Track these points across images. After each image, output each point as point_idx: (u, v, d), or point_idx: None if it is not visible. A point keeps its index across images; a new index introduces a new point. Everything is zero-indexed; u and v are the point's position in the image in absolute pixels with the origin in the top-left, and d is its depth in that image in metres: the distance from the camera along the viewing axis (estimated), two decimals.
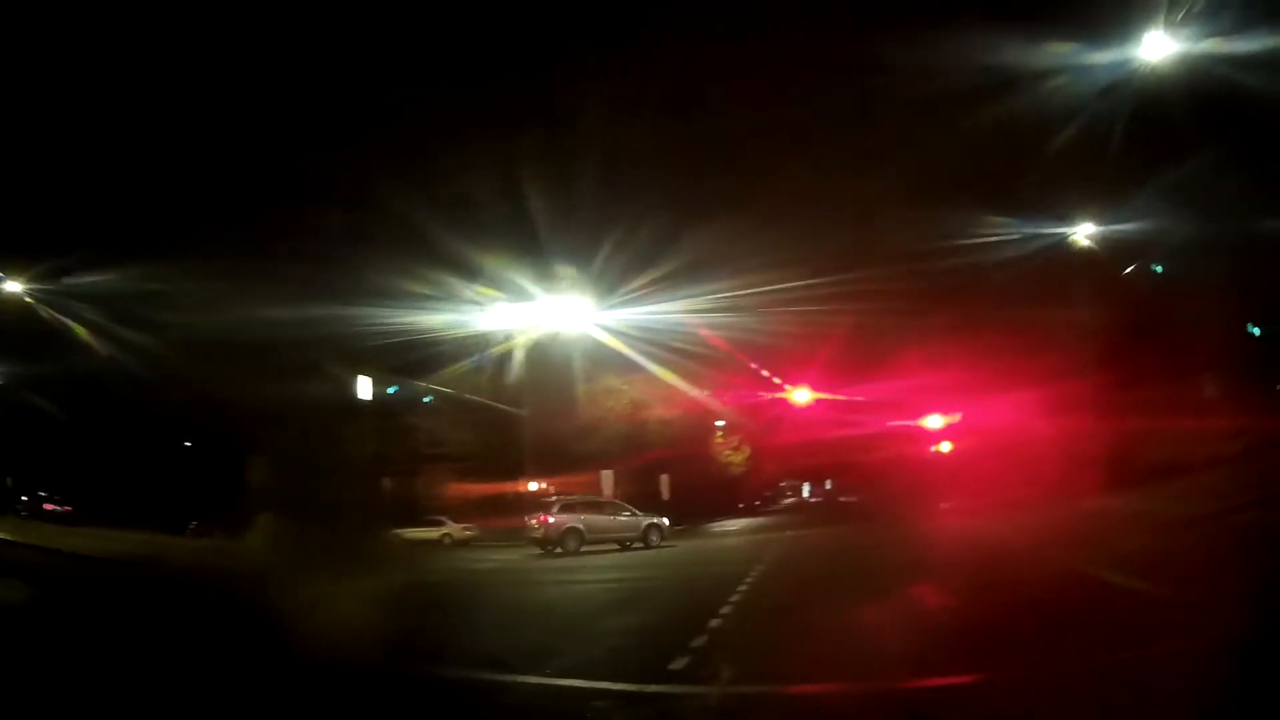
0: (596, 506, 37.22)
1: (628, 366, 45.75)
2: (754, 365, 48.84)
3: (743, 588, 17.64)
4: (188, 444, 48.97)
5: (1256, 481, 24.48)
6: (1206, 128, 26.45)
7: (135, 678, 9.86)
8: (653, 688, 9.56)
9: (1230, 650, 8.60)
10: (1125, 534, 21.48)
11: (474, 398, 42.75)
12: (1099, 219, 35.25)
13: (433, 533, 45.02)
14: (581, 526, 34.48)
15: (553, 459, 43.91)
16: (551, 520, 34.51)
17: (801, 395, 54.34)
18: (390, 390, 42.07)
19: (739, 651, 11.30)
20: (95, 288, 32.65)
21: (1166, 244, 34.80)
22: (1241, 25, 22.74)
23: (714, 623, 13.26)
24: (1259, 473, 25.80)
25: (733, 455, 63.41)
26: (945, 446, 54.40)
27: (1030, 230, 35.25)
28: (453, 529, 45.80)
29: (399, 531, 44.57)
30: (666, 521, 37.05)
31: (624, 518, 36.20)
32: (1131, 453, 35.00)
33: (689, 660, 10.63)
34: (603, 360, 44.43)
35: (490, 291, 36.37)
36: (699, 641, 11.74)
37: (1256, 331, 31.67)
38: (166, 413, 42.32)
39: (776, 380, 53.21)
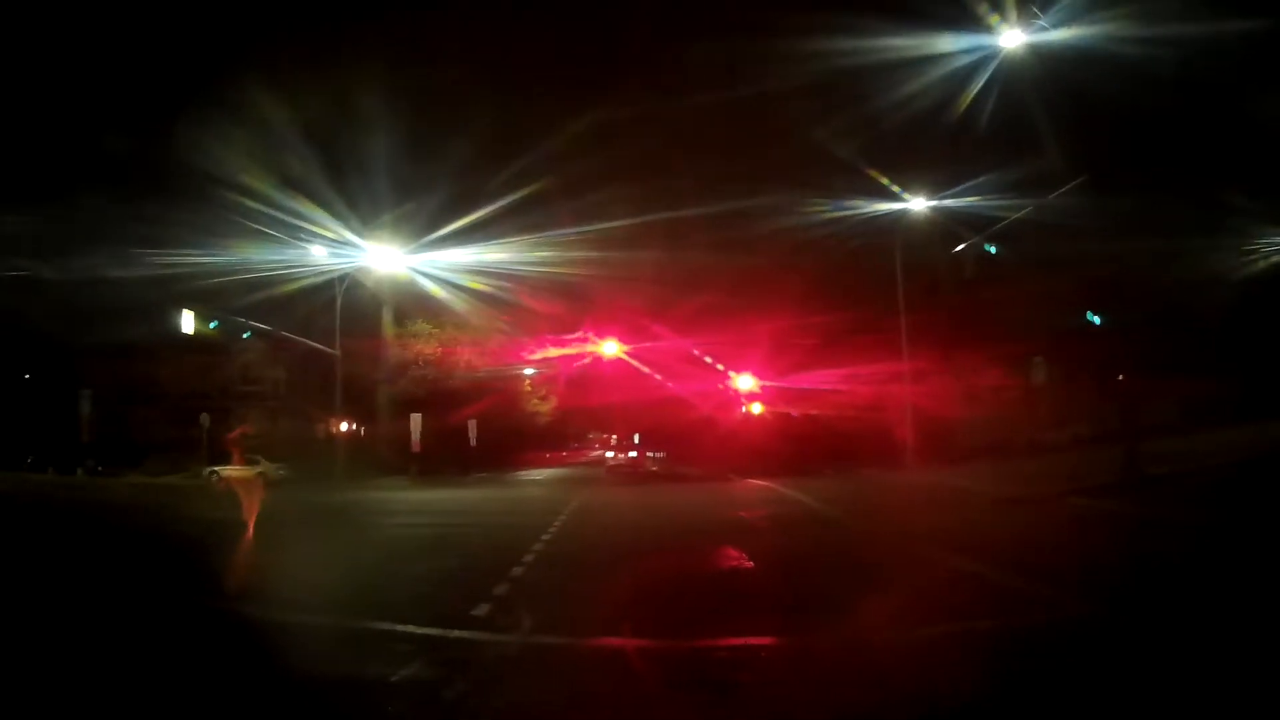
0: None
1: (441, 310, 45.28)
2: (560, 313, 48.55)
3: (546, 537, 17.75)
4: (27, 377, 46.80)
5: (1080, 470, 25.63)
6: (1055, 115, 27.19)
7: None
8: (455, 633, 9.55)
9: (1045, 630, 9.00)
10: (941, 510, 21.97)
11: (289, 335, 41.67)
12: (933, 197, 35.53)
13: (248, 471, 43.63)
14: None
15: (362, 400, 43.27)
16: None
17: (610, 348, 54.12)
18: (211, 325, 40.60)
19: (540, 601, 11.35)
20: None
21: (1004, 226, 35.07)
22: (1084, 18, 23.81)
23: (516, 571, 13.30)
24: (1084, 461, 27.07)
25: (540, 405, 63.17)
26: (756, 409, 54.74)
27: (866, 207, 35.40)
28: (267, 468, 44.66)
29: (217, 469, 43.68)
30: None
31: None
32: (951, 431, 35.78)
33: (490, 607, 10.68)
34: (417, 304, 43.86)
35: (314, 230, 35.50)
36: (501, 589, 11.78)
37: (1096, 320, 31.85)
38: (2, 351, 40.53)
39: (585, 333, 53.07)
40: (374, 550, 17.84)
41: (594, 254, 37.29)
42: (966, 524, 18.64)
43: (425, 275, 39.76)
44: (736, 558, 15.23)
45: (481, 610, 10.48)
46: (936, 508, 22.70)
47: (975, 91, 26.88)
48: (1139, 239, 29.12)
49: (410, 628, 9.67)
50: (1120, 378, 28.79)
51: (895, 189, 34.90)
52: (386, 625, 9.81)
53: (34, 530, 22.11)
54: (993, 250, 37.41)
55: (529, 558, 14.75)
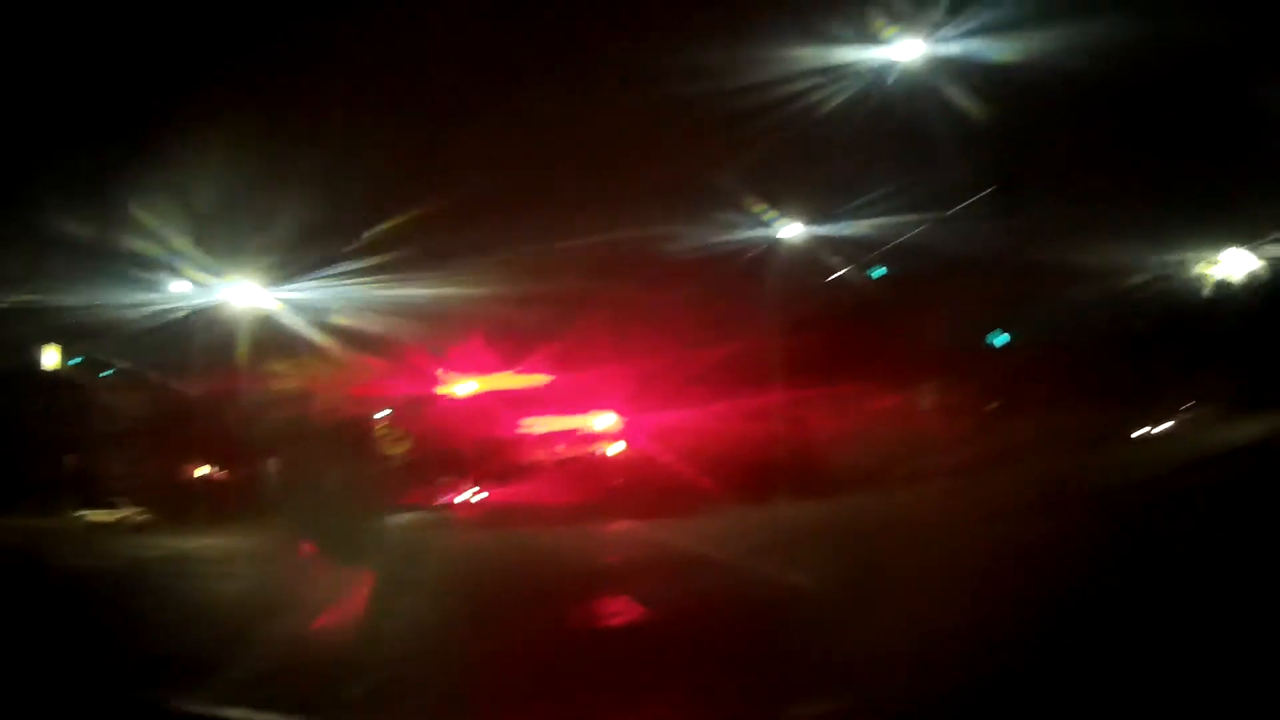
0: None
1: (303, 349, 43.56)
2: (419, 352, 46.90)
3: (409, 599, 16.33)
4: None
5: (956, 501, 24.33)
6: (956, 131, 26.06)
7: None
8: None
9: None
10: (830, 545, 19.61)
11: (150, 374, 39.58)
12: (817, 219, 33.67)
13: (109, 515, 42.08)
14: None
15: (220, 443, 41.26)
16: None
17: (468, 386, 52.37)
18: (72, 362, 38.36)
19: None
20: None
21: (895, 248, 33.46)
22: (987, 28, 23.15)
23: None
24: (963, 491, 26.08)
25: (395, 447, 61.00)
26: (620, 446, 53.13)
27: (744, 233, 33.31)
28: (128, 512, 42.81)
29: (79, 513, 41.86)
30: None
31: None
32: (830, 461, 34.44)
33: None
34: (278, 342, 41.99)
35: (178, 266, 33.66)
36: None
37: (998, 342, 31.58)
38: None
39: (440, 370, 51.31)
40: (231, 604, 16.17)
41: (455, 291, 35.97)
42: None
43: (287, 312, 38.03)
44: (627, 612, 14.03)
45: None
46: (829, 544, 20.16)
47: (871, 107, 25.70)
48: (1042, 256, 28.69)
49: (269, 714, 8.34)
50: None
51: (769, 215, 32.99)
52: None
53: None
54: (881, 272, 35.77)
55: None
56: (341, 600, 16.60)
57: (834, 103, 25.39)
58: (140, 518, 42.51)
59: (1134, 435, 31.34)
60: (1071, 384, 28.14)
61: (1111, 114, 26.57)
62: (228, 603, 16.49)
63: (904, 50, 24.58)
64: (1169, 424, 31.12)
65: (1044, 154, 27.60)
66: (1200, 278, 33.48)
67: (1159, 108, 26.19)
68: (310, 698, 8.85)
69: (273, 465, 40.65)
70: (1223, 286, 33.37)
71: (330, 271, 35.02)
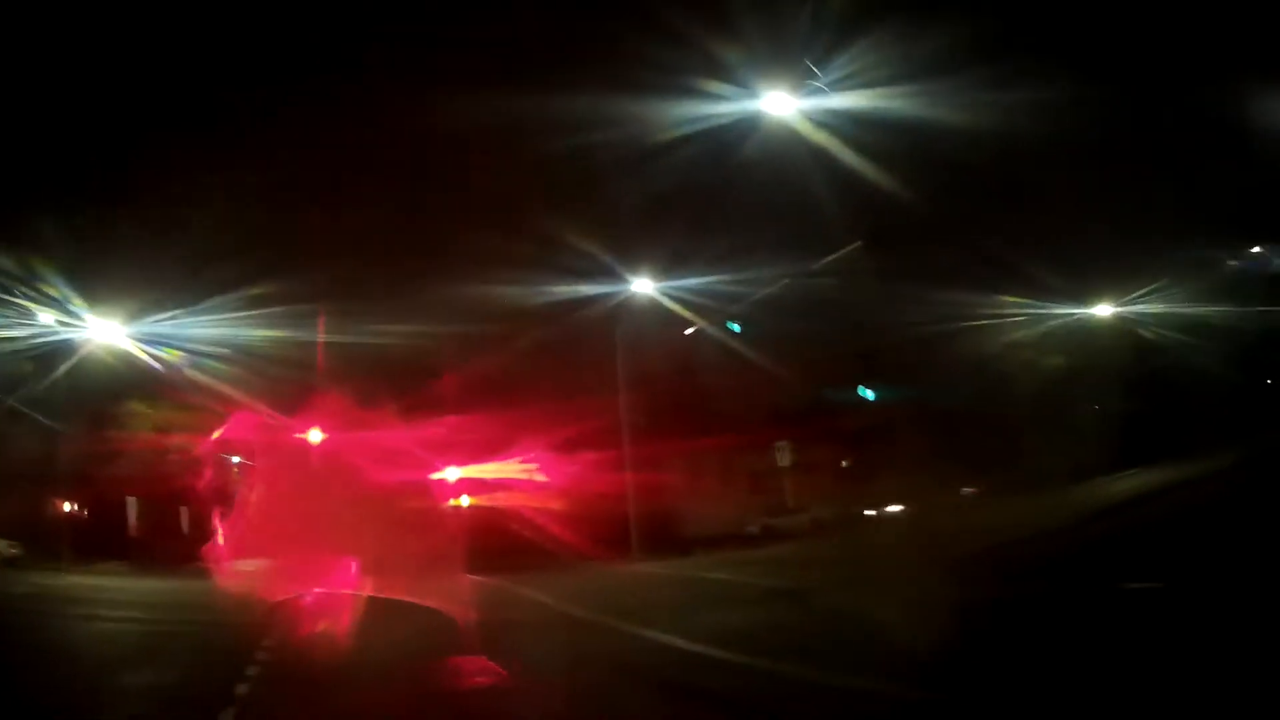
0: None
1: (162, 390, 42.70)
2: (255, 402, 45.98)
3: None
4: None
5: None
6: (816, 188, 25.92)
7: None
8: None
9: None
10: (703, 605, 19.59)
11: (19, 408, 38.53)
12: (673, 274, 33.23)
13: None
14: None
15: (85, 479, 40.26)
16: None
17: (313, 436, 51.21)
18: None
19: None
20: None
21: (757, 301, 33.06)
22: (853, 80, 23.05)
23: (242, 689, 11.87)
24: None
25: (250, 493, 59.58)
26: (466, 501, 51.54)
27: (592, 289, 33.22)
28: (1, 545, 41.28)
29: None
30: None
31: None
32: (680, 519, 34.31)
33: None
34: (139, 382, 41.08)
35: (46, 297, 32.93)
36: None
37: (869, 395, 31.06)
38: None
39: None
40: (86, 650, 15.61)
41: (311, 336, 35.72)
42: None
43: (145, 352, 37.38)
44: (491, 673, 12.82)
45: None
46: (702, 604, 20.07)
47: (736, 160, 25.63)
48: (905, 310, 28.66)
49: None
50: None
51: (623, 271, 32.93)
52: None
53: None
54: (736, 329, 35.53)
55: (252, 670, 13.21)
56: None
57: (698, 155, 25.30)
58: (9, 551, 41.12)
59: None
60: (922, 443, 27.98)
61: (983, 167, 26.61)
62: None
63: (772, 103, 24.36)
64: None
65: (912, 208, 26.92)
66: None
67: (1029, 162, 26.28)
68: None
69: (130, 506, 39.92)
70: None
71: (189, 311, 34.69)
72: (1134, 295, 34.12)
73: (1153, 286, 33.30)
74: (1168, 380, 32.60)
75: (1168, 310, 33.58)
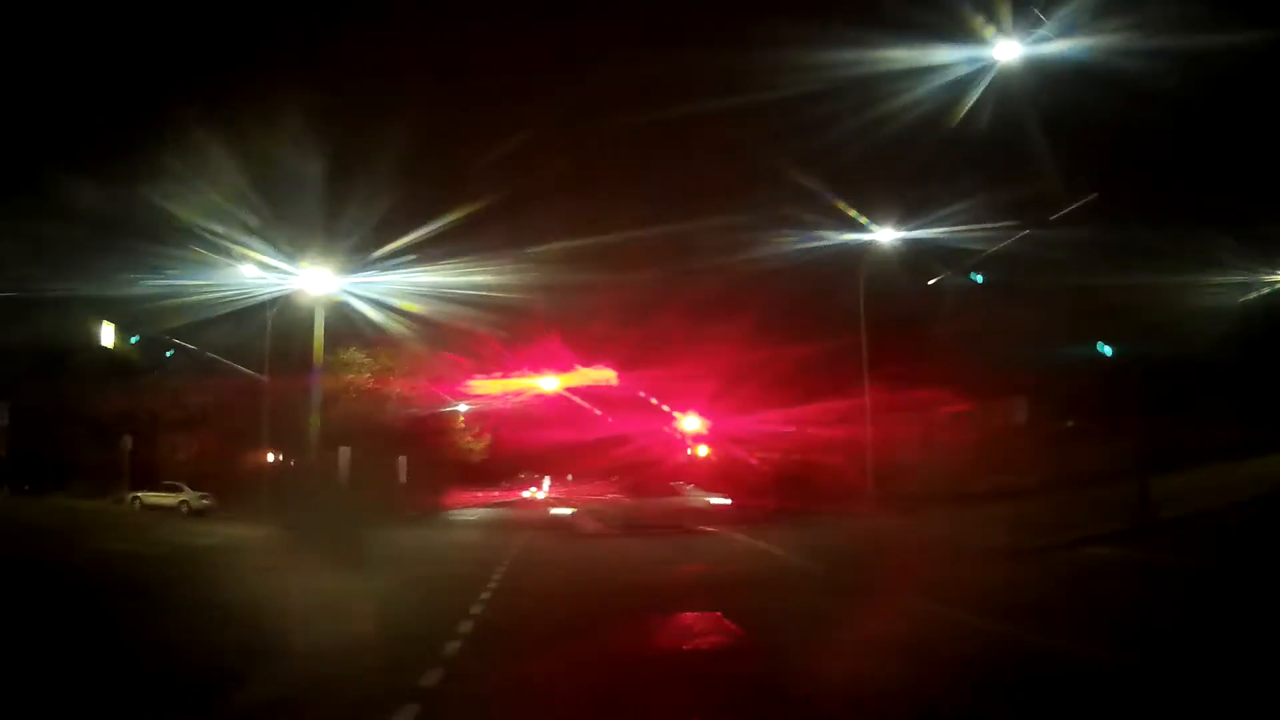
0: None
1: (376, 340, 42.26)
2: (499, 345, 45.36)
3: (485, 596, 14.54)
4: None
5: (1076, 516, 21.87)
6: (1052, 135, 24.13)
7: None
8: None
9: None
10: (944, 564, 17.23)
11: (215, 358, 38.33)
12: (909, 225, 31.93)
13: (170, 499, 41.65)
14: None
15: (290, 430, 39.50)
16: None
17: (549, 383, 51.00)
18: (132, 340, 37.13)
19: (481, 698, 8.44)
20: None
21: (993, 254, 31.67)
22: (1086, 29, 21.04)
23: (451, 647, 10.19)
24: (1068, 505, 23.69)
25: (473, 443, 59.21)
26: (703, 451, 51.02)
27: (831, 236, 32.12)
28: (190, 496, 42.08)
29: (138, 495, 41.34)
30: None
31: None
32: (909, 475, 32.25)
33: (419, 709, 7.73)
34: (351, 331, 40.41)
35: (246, 252, 32.29)
36: (430, 679, 8.61)
37: (1108, 351, 28.65)
38: None
39: (524, 368, 49.88)
40: (277, 604, 14.18)
41: (536, 280, 34.55)
42: (980, 580, 14.54)
43: (359, 300, 36.38)
44: (727, 632, 11.52)
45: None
46: (932, 561, 17.70)
47: (966, 109, 23.71)
48: (1139, 268, 26.56)
49: None
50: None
51: (862, 219, 31.57)
52: None
53: None
54: (978, 280, 34.01)
55: (465, 626, 11.59)
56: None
57: (929, 105, 23.85)
58: (201, 502, 41.61)
59: None
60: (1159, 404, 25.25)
61: (1217, 116, 24.26)
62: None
63: (1002, 50, 22.33)
64: None
65: (1146, 158, 25.26)
66: None
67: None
68: None
69: (342, 456, 38.85)
70: None
71: (397, 261, 33.77)
72: None
73: None
74: None
75: None
